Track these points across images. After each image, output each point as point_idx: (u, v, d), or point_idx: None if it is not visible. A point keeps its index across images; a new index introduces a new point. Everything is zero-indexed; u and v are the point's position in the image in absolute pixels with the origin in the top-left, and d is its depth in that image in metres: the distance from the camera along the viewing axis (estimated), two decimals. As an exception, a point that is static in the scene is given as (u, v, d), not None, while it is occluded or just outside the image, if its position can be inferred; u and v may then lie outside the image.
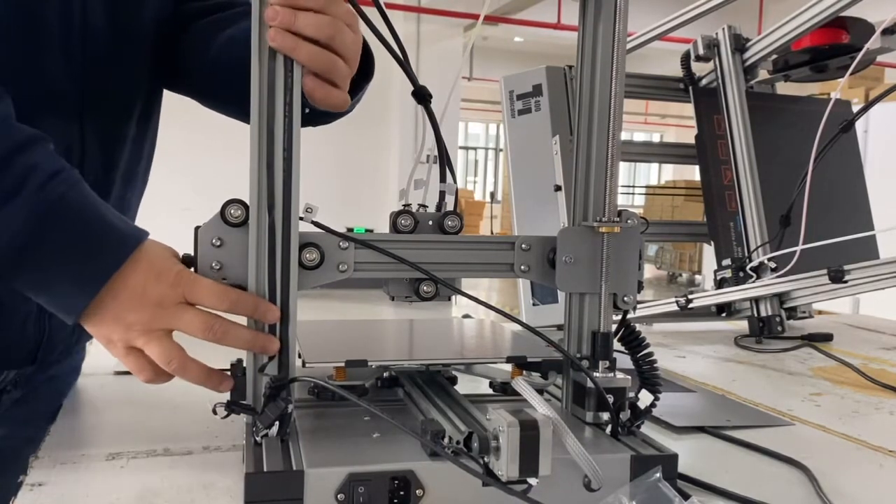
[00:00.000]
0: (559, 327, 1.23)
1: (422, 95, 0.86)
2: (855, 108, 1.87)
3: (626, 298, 0.83)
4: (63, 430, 0.90)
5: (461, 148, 16.25)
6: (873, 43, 1.60)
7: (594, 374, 0.80)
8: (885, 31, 1.61)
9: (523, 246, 0.83)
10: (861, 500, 0.80)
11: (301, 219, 0.73)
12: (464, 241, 0.82)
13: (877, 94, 1.97)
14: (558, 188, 1.68)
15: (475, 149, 17.99)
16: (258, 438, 0.70)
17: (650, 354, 0.82)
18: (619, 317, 0.84)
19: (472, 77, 11.87)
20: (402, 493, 0.66)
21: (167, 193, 7.13)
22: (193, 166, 7.49)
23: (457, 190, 0.89)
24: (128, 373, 1.18)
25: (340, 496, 0.65)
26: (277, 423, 0.70)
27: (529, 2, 8.15)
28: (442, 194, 0.87)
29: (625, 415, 0.78)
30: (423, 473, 0.66)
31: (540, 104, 1.80)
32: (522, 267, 0.83)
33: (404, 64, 0.85)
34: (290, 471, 0.65)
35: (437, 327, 1.15)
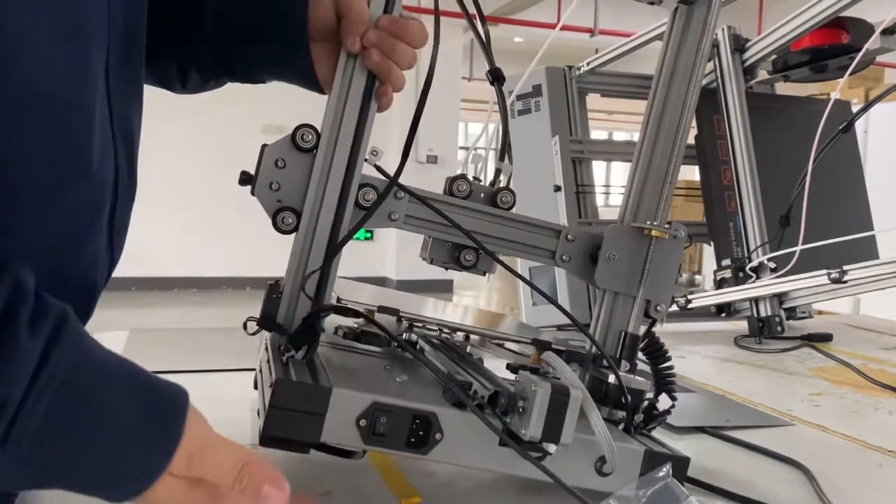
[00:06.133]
0: (559, 328, 1.24)
1: (496, 76, 0.86)
2: (855, 108, 1.87)
3: (658, 307, 0.83)
4: (63, 430, 0.90)
5: (461, 148, 16.24)
6: (873, 43, 1.60)
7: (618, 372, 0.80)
8: (885, 31, 1.61)
9: (569, 236, 0.83)
10: (861, 500, 0.80)
11: (365, 160, 0.74)
12: (514, 218, 0.82)
13: (877, 94, 1.97)
14: (558, 188, 1.68)
15: (475, 149, 17.99)
16: (284, 359, 0.69)
17: (671, 367, 0.82)
18: (647, 326, 0.84)
19: (472, 77, 11.86)
20: (420, 433, 0.65)
21: (167, 196, 7.13)
22: (193, 168, 7.49)
23: (511, 172, 0.89)
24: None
25: (362, 422, 0.64)
26: (305, 348, 0.70)
27: (529, 2, 8.15)
28: (497, 171, 0.86)
29: (638, 417, 0.78)
30: (445, 419, 0.66)
31: (540, 104, 1.80)
32: (564, 257, 0.83)
33: (484, 42, 0.85)
34: (318, 385, 0.64)
35: (464, 307, 1.15)
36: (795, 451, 0.89)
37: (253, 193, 0.74)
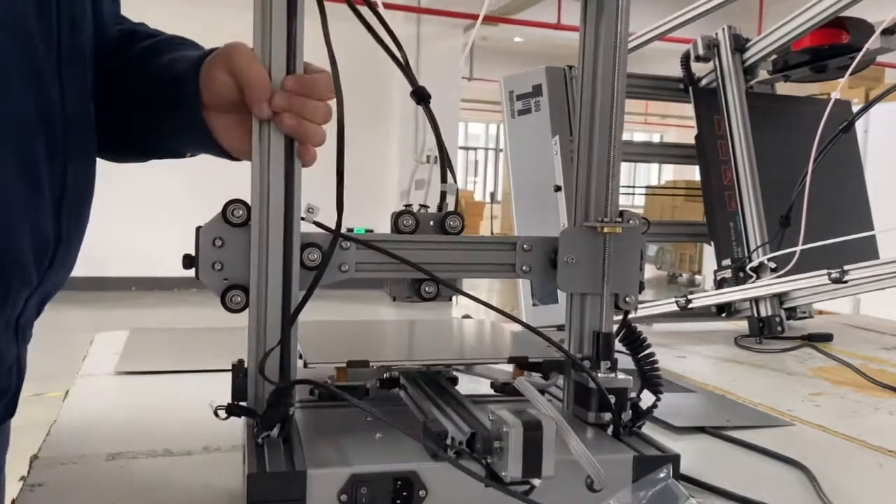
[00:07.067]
0: (559, 327, 1.23)
1: (421, 96, 0.86)
2: (855, 108, 1.87)
3: (627, 299, 0.83)
4: (63, 430, 0.90)
5: (461, 148, 16.24)
6: (873, 43, 1.60)
7: (596, 374, 0.80)
8: (885, 31, 1.61)
9: (525, 246, 0.83)
10: (861, 500, 0.80)
11: (302, 219, 0.73)
12: (465, 241, 0.82)
13: (877, 94, 1.97)
14: (558, 188, 1.68)
15: (475, 149, 18.00)
16: (259, 440, 0.70)
17: (652, 355, 0.82)
18: (621, 317, 0.84)
19: (472, 77, 11.87)
20: (404, 493, 0.66)
21: (167, 195, 7.13)
22: (193, 168, 7.49)
23: (457, 190, 0.89)
24: (128, 373, 1.18)
25: (343, 497, 0.64)
26: (279, 424, 0.70)
27: (529, 2, 8.15)
28: (443, 194, 0.86)
29: (626, 415, 0.78)
30: (426, 474, 0.66)
31: (540, 104, 1.80)
32: (524, 267, 0.83)
33: (403, 65, 0.85)
34: (292, 471, 0.64)
35: (437, 328, 1.15)
36: (795, 451, 0.89)
37: (198, 277, 0.73)
